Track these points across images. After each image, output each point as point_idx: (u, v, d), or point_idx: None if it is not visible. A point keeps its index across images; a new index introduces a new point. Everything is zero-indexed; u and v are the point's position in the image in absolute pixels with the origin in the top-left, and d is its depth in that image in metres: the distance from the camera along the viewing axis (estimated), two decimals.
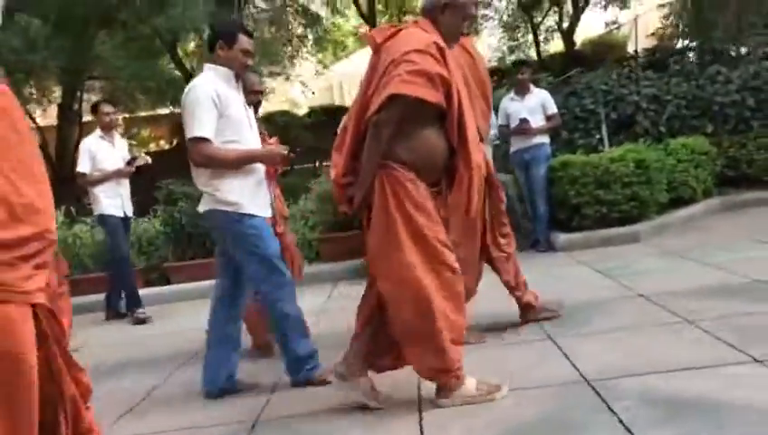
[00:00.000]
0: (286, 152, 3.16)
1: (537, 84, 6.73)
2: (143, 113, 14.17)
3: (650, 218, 6.14)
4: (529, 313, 3.60)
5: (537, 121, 6.09)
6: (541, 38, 17.46)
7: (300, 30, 14.79)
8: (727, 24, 8.64)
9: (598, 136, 6.92)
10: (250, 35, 3.12)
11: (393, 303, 2.49)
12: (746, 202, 6.99)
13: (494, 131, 6.08)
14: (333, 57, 26.18)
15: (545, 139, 6.18)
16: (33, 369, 1.66)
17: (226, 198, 2.94)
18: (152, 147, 17.52)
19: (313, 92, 22.40)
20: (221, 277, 3.16)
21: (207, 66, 3.09)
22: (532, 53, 17.19)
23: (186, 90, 3.01)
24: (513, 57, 17.44)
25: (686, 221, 6.46)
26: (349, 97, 22.88)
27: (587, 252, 5.73)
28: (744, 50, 8.51)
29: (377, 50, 2.55)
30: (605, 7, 18.13)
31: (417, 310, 2.44)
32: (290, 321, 3.01)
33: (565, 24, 17.20)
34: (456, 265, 2.51)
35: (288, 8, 13.69)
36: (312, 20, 14.65)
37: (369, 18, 15.88)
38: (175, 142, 15.97)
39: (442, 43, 2.49)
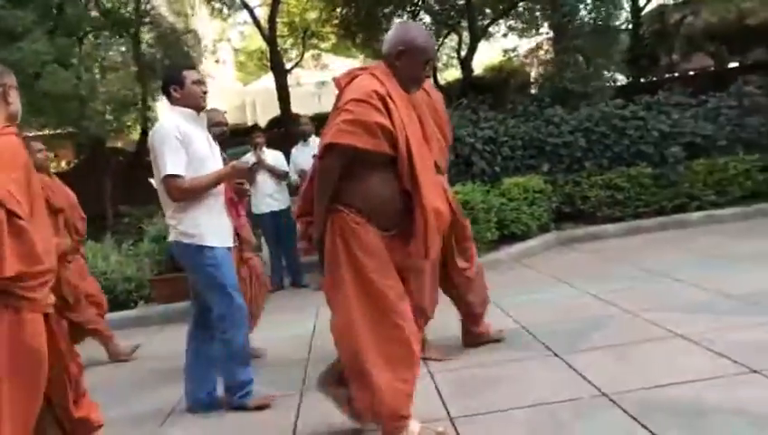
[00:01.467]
0: (248, 166, 3.38)
1: None
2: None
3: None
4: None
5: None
6: (439, 65, 18.00)
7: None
8: (577, 66, 9.17)
9: None
10: (193, 67, 3.39)
11: (337, 340, 2.60)
12: (581, 237, 7.44)
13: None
14: (247, 76, 26.15)
15: None
16: (46, 359, 2.29)
17: (187, 231, 3.17)
18: None
19: (226, 111, 22.33)
20: (194, 301, 3.45)
21: (171, 108, 3.29)
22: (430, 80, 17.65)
23: (151, 132, 3.23)
24: None
25: (518, 257, 6.81)
26: (262, 115, 22.88)
27: None
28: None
29: (340, 93, 2.63)
30: (505, 35, 18.88)
31: (351, 358, 2.54)
32: (234, 350, 3.27)
33: (463, 52, 17.72)
34: (404, 310, 2.54)
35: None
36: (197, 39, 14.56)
37: (271, 41, 15.97)
38: None
39: (386, 92, 2.52)
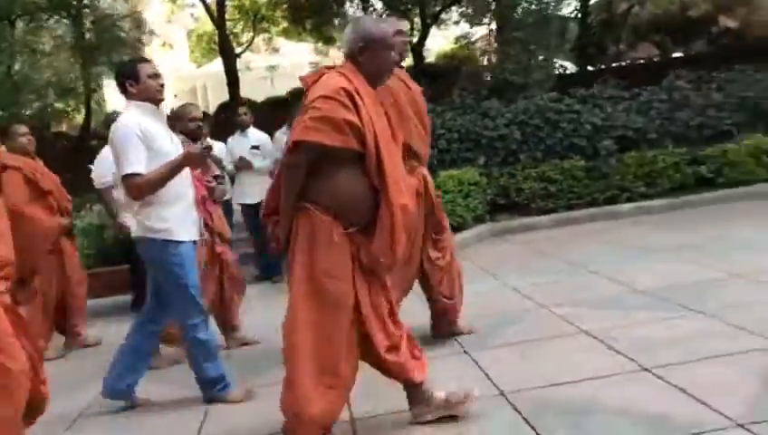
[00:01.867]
0: (200, 150, 3.30)
1: None
2: None
3: None
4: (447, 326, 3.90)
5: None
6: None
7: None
8: (518, 57, 9.28)
9: None
10: (149, 61, 3.34)
11: (283, 338, 2.59)
12: (514, 228, 7.59)
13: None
14: (201, 59, 25.64)
15: None
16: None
17: (153, 226, 3.16)
18: None
19: (175, 95, 21.89)
20: (150, 297, 3.40)
21: (129, 103, 3.24)
22: None
23: (112, 129, 3.17)
24: None
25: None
26: (213, 100, 22.50)
27: None
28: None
29: (307, 91, 2.61)
30: (457, 23, 18.93)
31: (286, 357, 2.56)
32: (202, 347, 3.28)
33: (416, 39, 17.70)
34: (345, 318, 2.55)
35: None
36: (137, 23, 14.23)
37: (220, 24, 15.68)
38: None
39: (353, 89, 2.50)
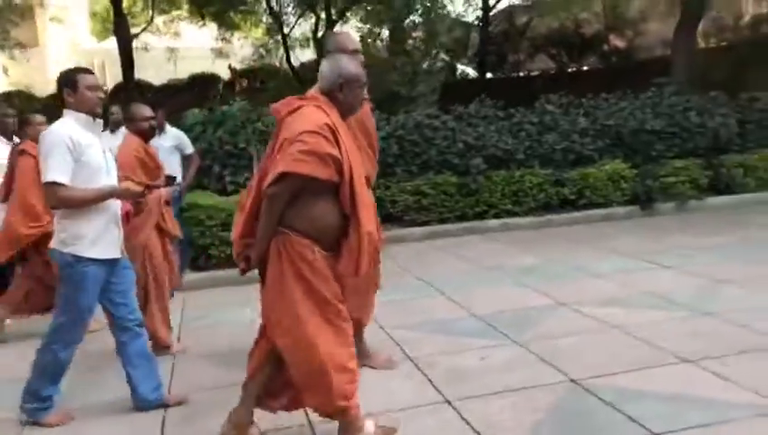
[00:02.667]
0: (141, 189, 3.35)
1: None
2: None
3: None
4: None
5: (172, 164, 6.06)
6: (297, 45, 17.79)
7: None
8: (404, 68, 9.52)
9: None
10: (90, 72, 3.31)
11: (290, 356, 2.79)
12: (388, 239, 7.80)
13: None
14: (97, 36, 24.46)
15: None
16: None
17: (67, 239, 3.14)
18: None
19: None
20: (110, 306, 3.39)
21: (66, 112, 3.22)
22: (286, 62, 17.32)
23: (42, 134, 3.19)
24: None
25: None
26: (110, 78, 21.55)
27: (215, 291, 6.03)
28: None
29: (280, 122, 2.80)
30: (362, 20, 18.97)
31: (312, 366, 2.73)
32: (55, 362, 3.27)
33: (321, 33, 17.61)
34: (347, 315, 2.82)
35: None
36: None
37: (116, 3, 15.04)
38: None
39: (333, 123, 2.70)
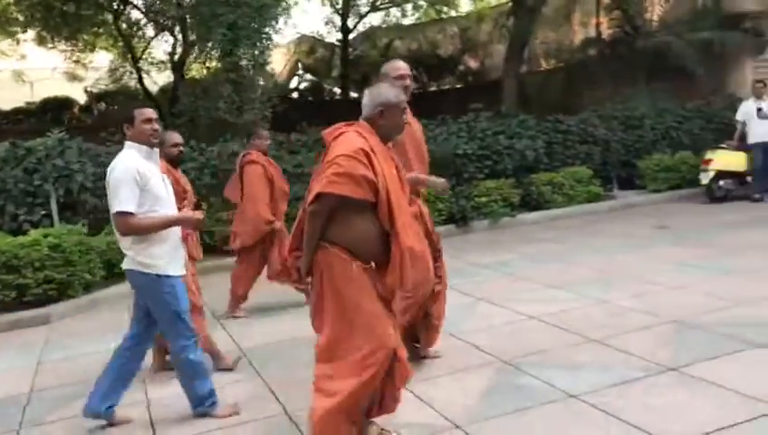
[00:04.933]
0: (201, 217, 3.65)
1: None
2: None
3: (74, 297, 6.48)
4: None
5: None
6: (152, 68, 17.39)
7: None
8: (231, 97, 9.62)
9: (43, 212, 7.09)
10: (146, 107, 3.62)
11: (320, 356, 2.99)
12: (207, 270, 7.82)
13: None
14: None
15: None
16: None
17: (144, 261, 3.44)
18: None
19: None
20: (135, 322, 3.67)
21: (128, 144, 3.53)
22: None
23: (110, 167, 3.46)
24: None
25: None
26: None
27: None
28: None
29: (327, 146, 2.98)
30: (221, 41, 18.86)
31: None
32: (191, 366, 3.59)
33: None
34: (390, 331, 2.93)
35: None
36: None
37: None
38: None
39: (370, 148, 2.88)
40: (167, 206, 3.58)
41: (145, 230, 3.44)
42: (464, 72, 20.72)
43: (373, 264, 2.96)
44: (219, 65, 10.19)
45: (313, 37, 21.04)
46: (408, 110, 3.76)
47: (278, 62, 22.04)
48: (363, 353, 2.85)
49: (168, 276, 3.52)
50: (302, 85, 22.13)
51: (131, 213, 3.39)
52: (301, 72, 21.95)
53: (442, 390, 3.72)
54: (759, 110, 9.58)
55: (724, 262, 6.01)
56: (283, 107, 11.56)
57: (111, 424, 3.65)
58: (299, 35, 21.11)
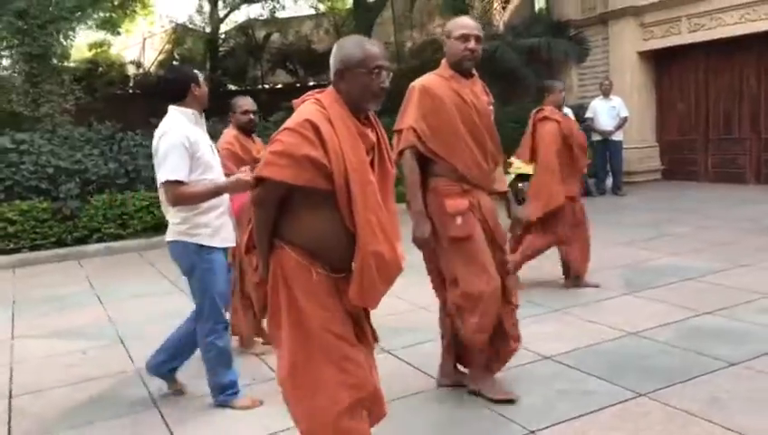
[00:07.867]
0: (250, 179, 3.03)
1: None
2: None
3: None
4: None
5: None
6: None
7: None
8: (23, 88, 9.24)
9: None
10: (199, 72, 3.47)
11: (283, 384, 2.37)
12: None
13: None
14: None
15: None
16: None
17: (188, 231, 3.25)
18: None
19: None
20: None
21: (173, 108, 3.29)
22: None
23: (158, 134, 3.22)
24: None
25: None
26: None
27: None
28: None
29: None
30: (92, 27, 18.27)
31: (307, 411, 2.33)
32: (217, 352, 3.41)
33: None
34: (353, 356, 2.27)
35: None
36: None
37: None
38: None
39: (321, 120, 2.17)
40: (215, 173, 3.43)
41: (197, 199, 3.26)
42: None
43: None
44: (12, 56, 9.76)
45: (185, 26, 20.58)
46: (476, 79, 3.22)
47: (150, 50, 21.55)
48: (339, 410, 2.23)
49: (210, 249, 3.34)
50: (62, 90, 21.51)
51: (183, 181, 3.19)
52: (176, 62, 21.42)
53: None
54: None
55: None
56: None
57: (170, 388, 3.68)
58: (173, 24, 20.60)
